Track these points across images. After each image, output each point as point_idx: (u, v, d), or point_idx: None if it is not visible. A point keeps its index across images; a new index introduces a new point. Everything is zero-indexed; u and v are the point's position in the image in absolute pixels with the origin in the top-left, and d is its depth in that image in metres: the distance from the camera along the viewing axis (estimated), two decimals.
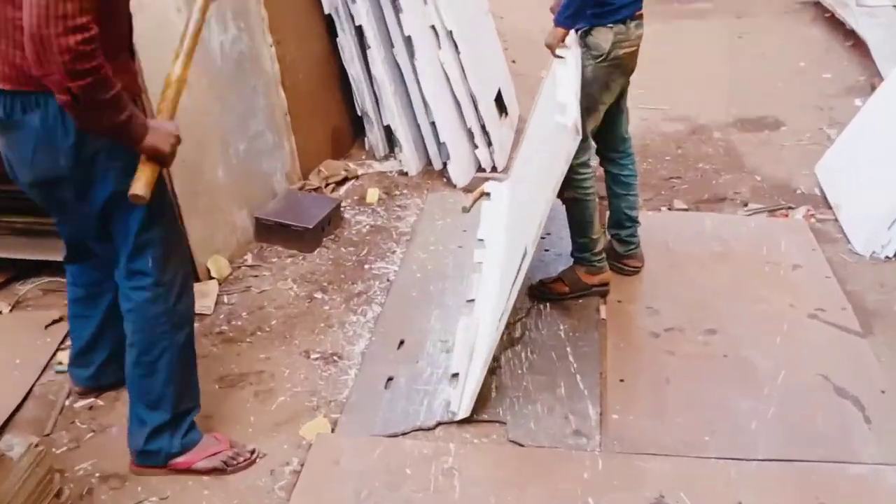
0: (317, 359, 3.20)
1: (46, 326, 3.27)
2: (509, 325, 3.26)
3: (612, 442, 2.76)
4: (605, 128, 3.38)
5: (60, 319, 3.27)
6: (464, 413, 2.82)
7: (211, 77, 3.63)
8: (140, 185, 2.20)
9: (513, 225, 3.41)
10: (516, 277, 2.77)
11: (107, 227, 2.38)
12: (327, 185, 4.45)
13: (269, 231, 3.94)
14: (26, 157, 2.22)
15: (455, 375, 2.98)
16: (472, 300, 3.37)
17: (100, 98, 2.02)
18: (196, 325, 3.28)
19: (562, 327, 3.31)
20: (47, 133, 2.16)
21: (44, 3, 1.92)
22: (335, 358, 3.20)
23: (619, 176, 3.57)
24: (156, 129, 2.21)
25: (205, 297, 3.48)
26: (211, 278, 3.60)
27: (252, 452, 2.71)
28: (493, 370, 3.05)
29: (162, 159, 2.24)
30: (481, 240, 3.74)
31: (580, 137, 2.68)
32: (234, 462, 2.65)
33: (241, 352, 3.23)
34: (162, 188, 2.43)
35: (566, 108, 2.81)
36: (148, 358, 2.49)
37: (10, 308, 3.43)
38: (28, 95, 2.14)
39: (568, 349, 3.18)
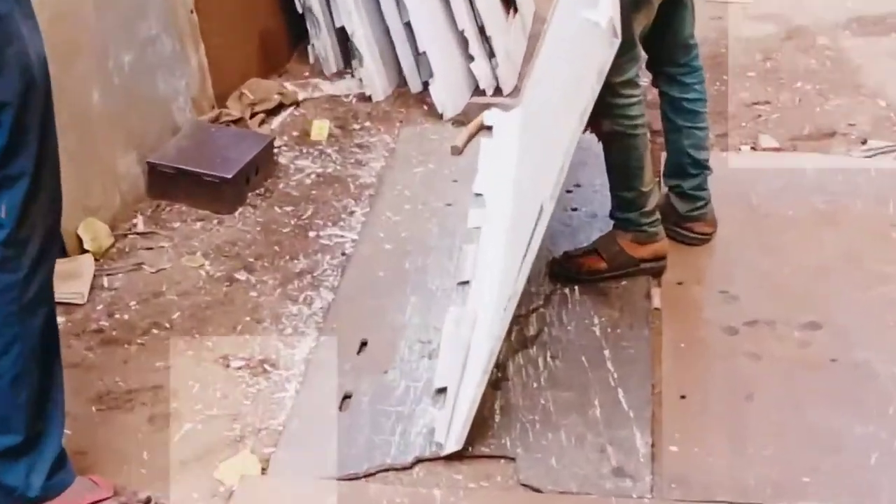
0: (240, 368, 3.19)
1: None
2: (520, 318, 3.27)
3: (670, 485, 2.77)
4: (660, 29, 3.37)
5: None
6: (454, 445, 2.83)
7: None
8: None
9: (525, 173, 3.42)
10: (528, 247, 2.77)
11: None
12: (254, 115, 4.43)
13: (169, 183, 3.93)
14: None
15: (441, 391, 2.99)
16: (466, 282, 3.38)
17: None
18: (61, 319, 3.30)
19: (597, 321, 3.32)
20: None
21: None
22: (266, 367, 3.19)
23: (680, 101, 3.56)
24: None
25: (74, 279, 3.46)
26: (83, 251, 3.59)
27: (146, 503, 2.71)
28: (497, 383, 3.06)
29: None
30: (479, 195, 3.75)
31: (618, 41, 2.67)
32: None
33: (130, 358, 3.22)
34: (44, 102, 2.44)
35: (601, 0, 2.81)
36: None
37: None
38: None
39: (606, 352, 3.19)
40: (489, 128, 4.27)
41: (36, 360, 2.53)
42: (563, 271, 3.49)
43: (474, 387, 2.81)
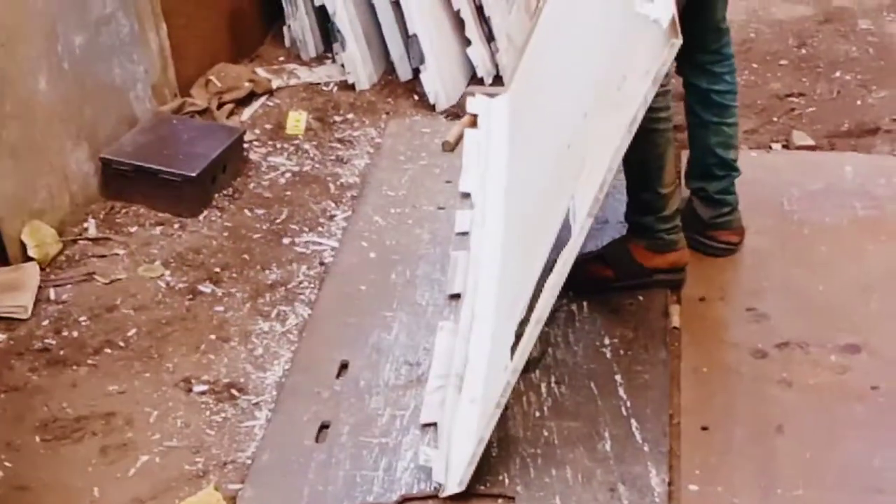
0: (203, 393, 3.20)
1: None
2: (519, 338, 3.28)
3: None
4: (690, 9, 3.37)
5: None
6: (457, 487, 2.81)
7: None
8: None
9: (522, 172, 3.42)
10: (555, 257, 2.76)
11: None
12: (222, 105, 4.44)
13: (126, 182, 3.93)
14: None
15: (429, 426, 3.00)
16: (457, 295, 3.39)
17: None
18: (2, 337, 3.31)
19: (608, 341, 3.32)
20: None
21: None
22: (234, 392, 3.20)
23: (708, 93, 3.57)
24: None
25: (17, 290, 3.47)
26: (27, 259, 3.59)
27: None
28: None
29: None
30: (466, 195, 3.75)
31: (679, 42, 2.63)
32: None
33: (79, 381, 3.22)
34: None
35: None
36: None
37: None
38: None
39: (617, 377, 3.20)
40: (450, 115, 4.30)
41: None
42: (568, 281, 3.48)
43: (484, 423, 2.80)
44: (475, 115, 4.15)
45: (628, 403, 3.11)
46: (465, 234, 3.60)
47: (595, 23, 3.20)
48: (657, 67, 2.59)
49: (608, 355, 3.27)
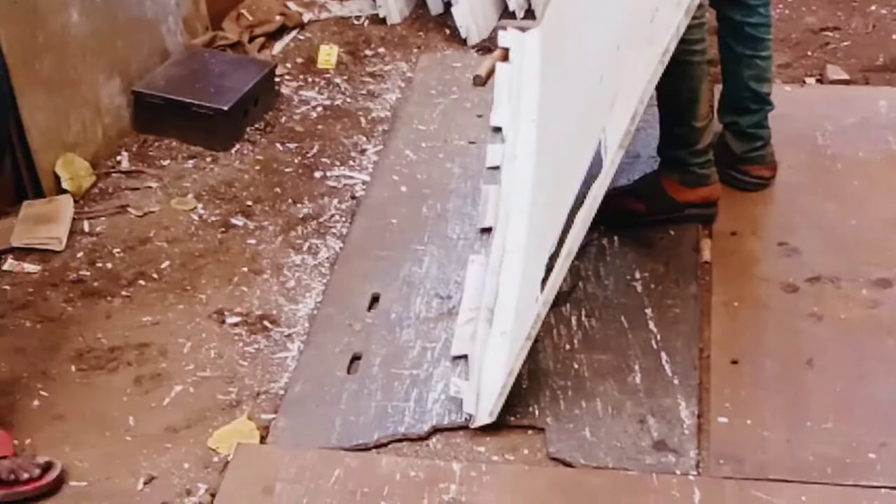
0: (236, 325, 3.22)
1: None
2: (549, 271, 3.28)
3: (718, 462, 2.77)
4: None
5: None
6: (487, 418, 2.83)
7: None
8: None
9: (554, 105, 3.41)
10: (582, 198, 2.75)
11: None
12: (253, 38, 4.44)
13: (158, 115, 3.94)
14: None
15: (460, 358, 3.01)
16: (487, 228, 3.39)
17: None
18: (37, 268, 3.33)
19: (638, 276, 3.33)
20: None
21: None
22: (266, 324, 3.22)
23: (742, 26, 3.53)
24: None
25: (51, 222, 3.50)
26: (61, 191, 3.61)
27: (45, 471, 2.69)
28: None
29: None
30: (497, 129, 3.73)
31: None
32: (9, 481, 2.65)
33: (113, 313, 3.25)
34: None
35: None
36: None
37: None
38: None
39: (647, 311, 3.20)
40: (482, 49, 4.28)
41: None
42: (598, 215, 3.48)
43: (514, 355, 2.81)
44: (506, 49, 4.13)
45: (658, 337, 3.11)
46: (496, 168, 3.60)
47: None
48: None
49: (639, 289, 3.28)
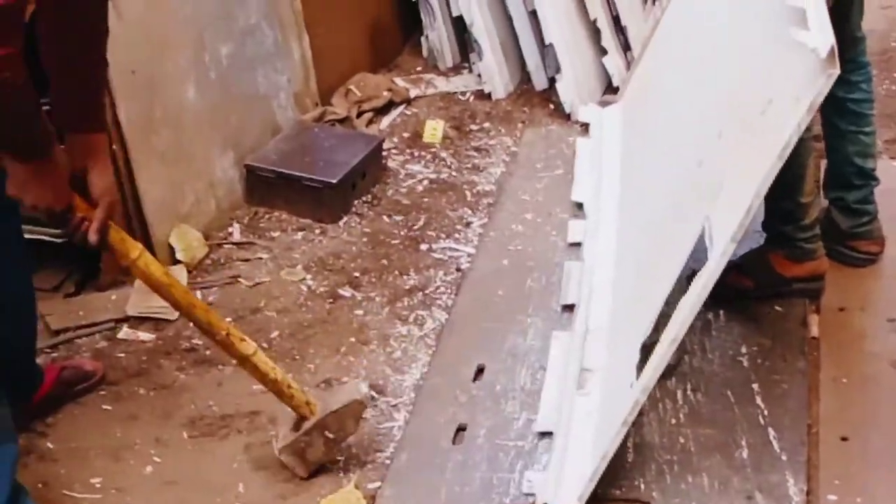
0: None
1: None
2: (656, 345, 3.27)
3: None
4: None
5: None
6: (578, 500, 2.75)
7: None
8: None
9: (645, 181, 3.39)
10: (690, 278, 2.71)
11: None
12: (361, 113, 4.50)
13: (269, 188, 4.02)
14: None
15: (545, 435, 3.00)
16: (570, 305, 3.38)
17: None
18: (151, 336, 3.40)
19: (745, 350, 3.29)
20: None
21: None
22: (373, 394, 3.23)
23: (844, 102, 3.52)
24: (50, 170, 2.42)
25: None
26: (175, 262, 3.68)
27: None
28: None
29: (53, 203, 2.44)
30: (579, 204, 3.70)
31: (837, 72, 2.44)
32: None
33: (224, 381, 3.30)
34: None
35: (811, 16, 2.65)
36: None
37: None
38: None
39: (755, 386, 3.16)
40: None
41: None
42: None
43: (609, 439, 2.75)
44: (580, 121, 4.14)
45: (766, 412, 3.08)
46: (577, 244, 3.58)
47: (729, 38, 3.15)
48: (812, 96, 2.48)
49: (745, 364, 3.25)
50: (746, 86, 2.91)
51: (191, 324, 3.44)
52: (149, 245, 3.63)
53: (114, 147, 3.45)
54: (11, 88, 2.23)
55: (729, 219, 2.59)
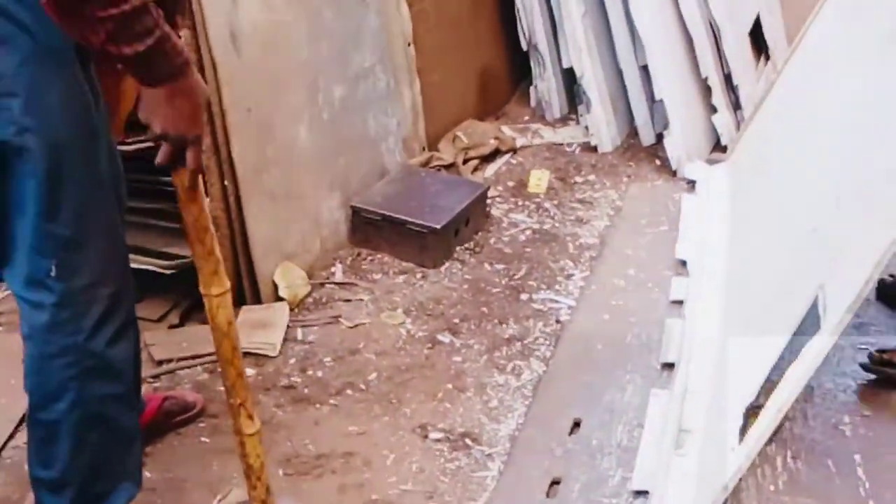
0: (439, 440, 3.24)
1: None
2: (756, 408, 3.23)
3: None
4: None
5: None
6: None
7: None
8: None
9: (752, 243, 3.35)
10: (800, 346, 2.65)
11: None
12: (467, 160, 4.53)
13: (373, 230, 4.06)
14: None
15: (641, 494, 2.96)
16: (671, 364, 3.35)
17: (96, 12, 2.08)
18: (252, 371, 3.42)
19: (847, 419, 3.23)
20: None
21: None
22: (468, 441, 3.23)
23: None
24: (188, 91, 2.28)
25: (267, 328, 3.60)
26: (279, 299, 3.73)
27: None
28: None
29: (172, 143, 2.30)
30: (682, 262, 3.66)
31: None
32: None
33: (321, 420, 3.31)
34: (87, 145, 2.46)
35: None
36: (48, 415, 2.59)
37: None
38: None
39: (856, 457, 3.10)
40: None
41: (96, 427, 2.61)
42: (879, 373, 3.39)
43: (707, 501, 2.72)
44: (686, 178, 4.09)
45: (867, 484, 3.01)
46: (679, 302, 3.56)
47: (855, 106, 3.12)
48: None
49: (847, 433, 3.19)
50: (872, 154, 2.88)
51: (292, 361, 3.52)
52: (253, 281, 3.69)
53: (226, 183, 3.51)
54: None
55: (846, 289, 2.54)
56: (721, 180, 3.80)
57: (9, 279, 2.55)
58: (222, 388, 3.31)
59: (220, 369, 2.58)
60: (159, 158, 2.33)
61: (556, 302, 3.84)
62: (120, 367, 2.63)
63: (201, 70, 3.35)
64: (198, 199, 2.40)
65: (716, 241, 3.60)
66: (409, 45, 4.32)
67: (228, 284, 2.54)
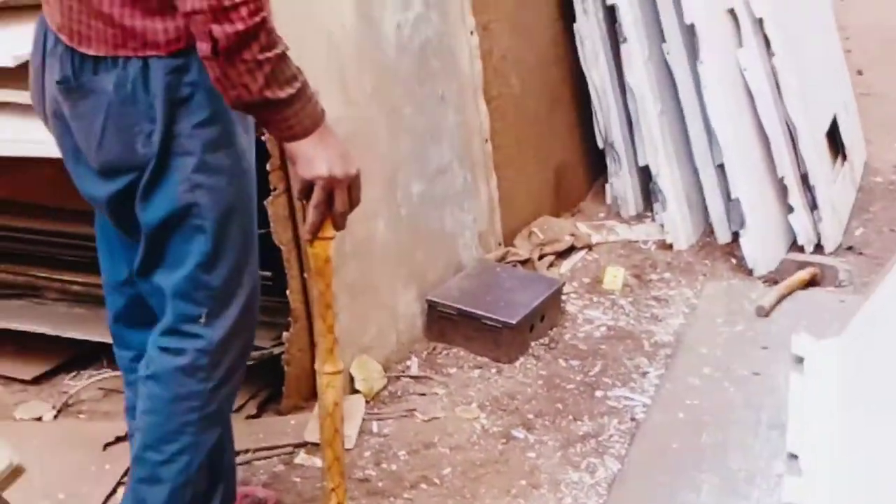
0: None
1: (106, 446, 3.50)
2: None
3: None
4: None
5: (126, 438, 3.49)
6: None
7: (379, 76, 3.85)
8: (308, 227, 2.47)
9: (867, 433, 2.98)
10: None
11: (155, 255, 2.56)
12: (542, 256, 4.54)
13: (448, 324, 4.07)
14: (95, 134, 2.48)
15: None
16: None
17: (255, 54, 2.26)
18: (320, 463, 3.44)
19: None
20: (122, 103, 2.43)
21: None
22: None
23: None
24: (332, 133, 2.44)
25: (344, 421, 3.59)
26: (355, 392, 3.75)
27: None
28: None
29: (333, 186, 2.43)
30: (794, 457, 3.30)
31: None
32: None
33: None
34: (247, 206, 2.59)
35: None
36: (157, 456, 2.65)
37: (55, 412, 3.71)
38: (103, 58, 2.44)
39: None
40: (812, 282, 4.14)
41: (203, 474, 2.68)
42: None
43: None
44: (794, 354, 3.62)
45: None
46: None
47: None
48: None
49: None
50: None
51: (367, 454, 3.53)
52: None
53: (305, 276, 3.55)
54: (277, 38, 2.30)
55: None
56: (828, 358, 3.32)
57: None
58: (298, 480, 3.38)
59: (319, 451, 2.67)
60: (308, 229, 2.50)
61: (631, 399, 3.82)
62: (228, 417, 2.76)
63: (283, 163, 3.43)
64: (326, 275, 2.51)
65: (827, 433, 3.18)
66: (486, 141, 4.37)
67: (342, 366, 2.67)
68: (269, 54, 2.28)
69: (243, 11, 2.22)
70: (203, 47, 2.26)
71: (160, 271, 2.58)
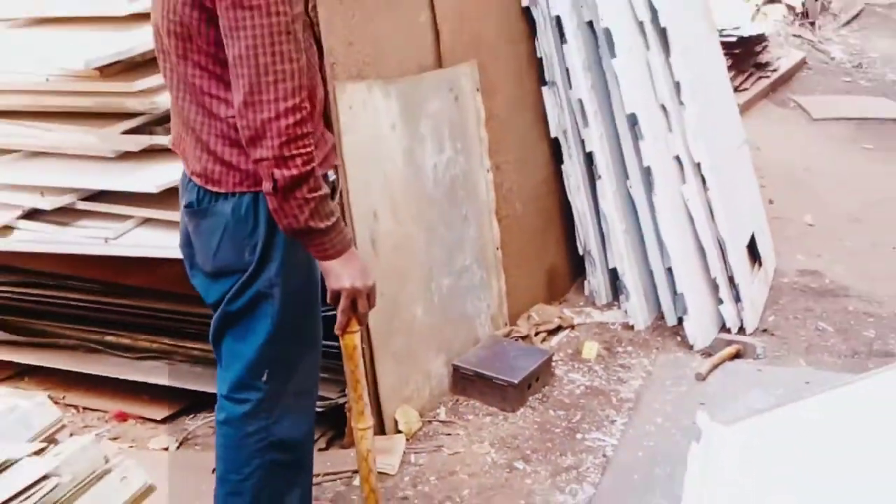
0: None
1: (214, 471, 3.46)
2: None
3: None
4: None
5: None
6: None
7: (420, 202, 3.86)
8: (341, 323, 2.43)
9: None
10: None
11: (229, 327, 2.55)
12: (537, 333, 4.51)
13: (468, 383, 4.04)
14: (210, 247, 2.49)
15: None
16: None
17: (304, 194, 2.27)
18: (378, 485, 3.38)
19: None
20: (237, 224, 2.44)
21: (256, 84, 2.20)
22: None
23: None
24: (356, 256, 2.43)
25: (389, 453, 3.57)
26: (398, 432, 3.71)
27: None
28: None
29: (355, 295, 2.41)
30: None
31: None
32: None
33: None
34: (310, 297, 2.58)
35: None
36: (236, 476, 2.63)
37: (177, 444, 3.68)
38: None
39: None
40: (737, 355, 4.15)
41: (271, 484, 2.64)
42: None
43: None
44: (697, 425, 2.92)
45: None
46: None
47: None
48: None
49: None
50: None
51: (406, 478, 3.47)
52: (380, 417, 3.68)
53: (363, 346, 3.53)
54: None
55: None
56: (731, 441, 2.79)
57: (218, 382, 2.65)
58: (355, 498, 3.33)
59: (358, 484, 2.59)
60: (338, 327, 2.46)
61: (603, 441, 3.76)
62: (292, 443, 2.66)
63: None
64: (355, 358, 2.49)
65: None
66: (497, 249, 4.36)
67: (371, 422, 2.61)
68: (315, 195, 2.28)
69: (298, 161, 2.23)
70: (266, 186, 2.27)
71: (230, 340, 2.56)
